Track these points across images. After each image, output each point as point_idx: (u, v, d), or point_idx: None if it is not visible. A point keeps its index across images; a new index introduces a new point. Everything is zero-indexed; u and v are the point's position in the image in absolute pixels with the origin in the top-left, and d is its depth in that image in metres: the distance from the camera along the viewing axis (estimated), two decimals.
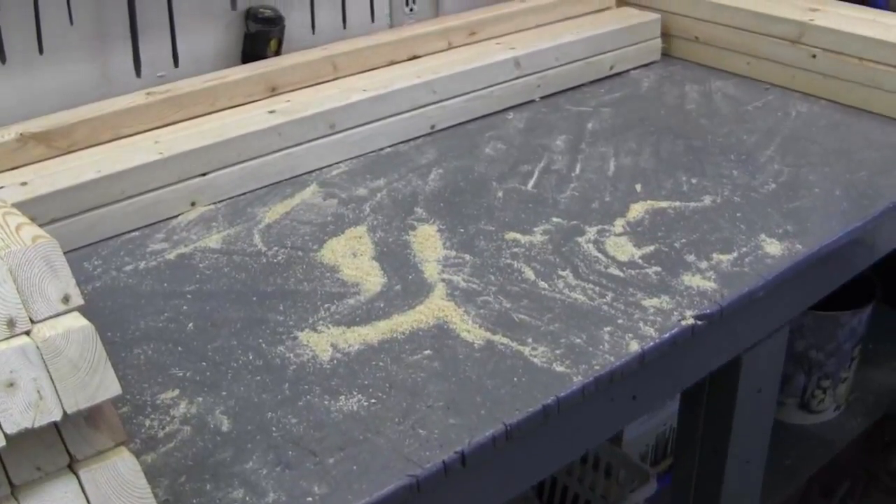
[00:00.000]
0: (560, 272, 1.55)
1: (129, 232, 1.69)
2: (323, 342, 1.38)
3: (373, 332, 1.40)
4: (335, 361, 1.35)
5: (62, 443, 0.97)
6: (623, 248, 1.61)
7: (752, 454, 1.83)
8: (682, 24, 2.45)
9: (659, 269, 1.55)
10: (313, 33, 2.13)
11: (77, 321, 0.95)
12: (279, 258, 1.61)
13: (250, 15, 2.02)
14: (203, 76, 1.93)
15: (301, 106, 1.91)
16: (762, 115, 2.13)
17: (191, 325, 1.44)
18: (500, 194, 1.80)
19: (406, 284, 1.52)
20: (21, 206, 1.46)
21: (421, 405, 1.26)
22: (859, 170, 1.86)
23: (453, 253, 1.61)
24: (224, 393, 1.29)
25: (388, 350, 1.37)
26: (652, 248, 1.62)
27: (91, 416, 0.98)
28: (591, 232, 1.67)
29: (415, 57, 2.17)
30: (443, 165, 1.91)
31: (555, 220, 1.71)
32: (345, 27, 2.15)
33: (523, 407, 1.25)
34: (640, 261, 1.58)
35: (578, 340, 1.38)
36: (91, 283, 1.54)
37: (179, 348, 1.38)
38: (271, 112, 1.88)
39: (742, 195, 1.78)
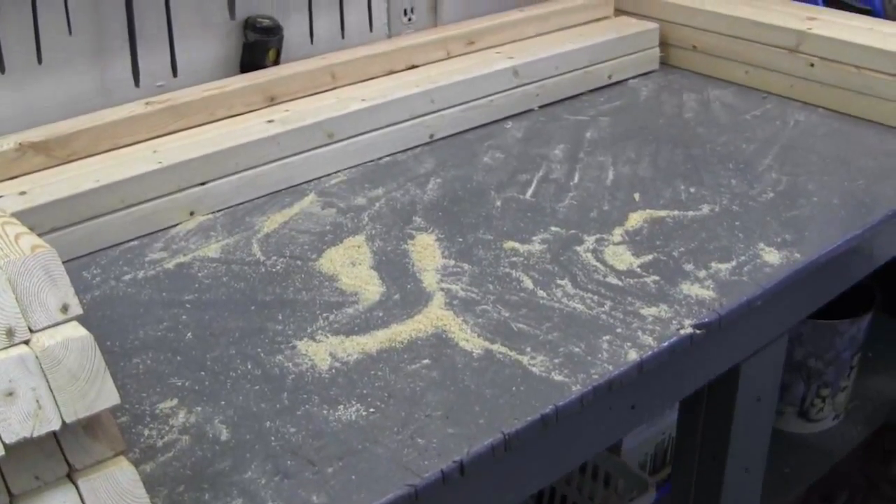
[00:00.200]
0: (558, 281, 1.55)
1: (127, 241, 1.69)
2: (322, 351, 1.38)
3: (371, 342, 1.40)
4: (334, 371, 1.35)
5: (61, 452, 0.97)
6: (621, 257, 1.61)
7: (752, 463, 1.83)
8: (681, 33, 2.45)
9: (657, 278, 1.56)
10: (312, 43, 2.13)
11: (76, 331, 0.95)
12: (278, 267, 1.61)
13: (249, 24, 2.02)
14: (202, 86, 1.93)
15: (300, 115, 1.91)
16: (760, 124, 2.13)
17: (189, 334, 1.44)
18: (498, 203, 1.80)
19: (405, 293, 1.52)
20: (20, 216, 1.46)
21: (419, 414, 1.26)
22: (858, 178, 1.86)
23: (452, 262, 1.61)
24: (223, 402, 1.29)
25: (387, 359, 1.37)
26: (650, 257, 1.62)
27: (90, 426, 0.98)
28: (590, 241, 1.67)
29: (413, 66, 2.18)
30: (441, 174, 1.91)
31: (553, 229, 1.71)
32: (343, 37, 2.16)
33: (522, 416, 1.25)
34: (638, 270, 1.58)
35: (577, 349, 1.38)
36: (90, 293, 1.54)
37: (178, 358, 1.38)
38: (270, 121, 1.88)
39: (740, 204, 1.78)
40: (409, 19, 2.32)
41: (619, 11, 2.56)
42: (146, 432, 1.24)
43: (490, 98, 2.14)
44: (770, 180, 1.86)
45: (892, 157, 1.95)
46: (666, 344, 1.40)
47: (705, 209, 1.77)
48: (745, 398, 1.72)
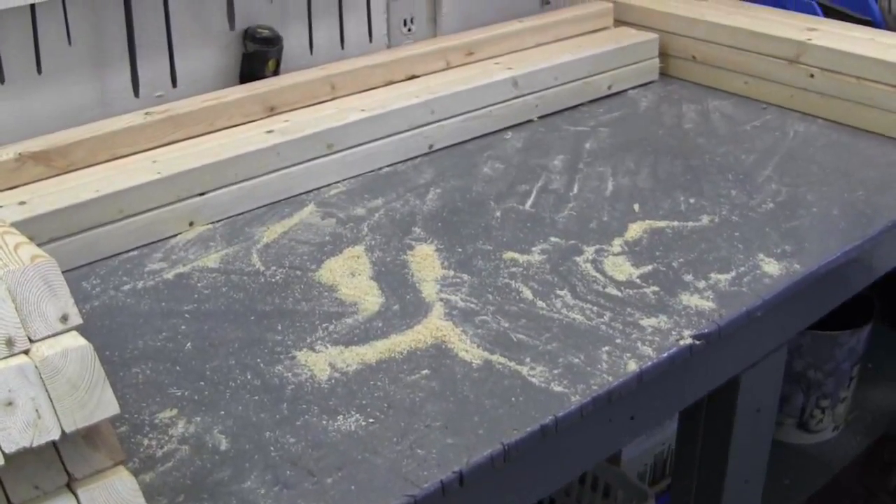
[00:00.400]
0: (558, 292, 1.55)
1: (127, 251, 1.69)
2: (321, 362, 1.38)
3: (371, 352, 1.40)
4: (333, 381, 1.34)
5: (61, 462, 0.97)
6: (621, 268, 1.61)
7: (751, 474, 1.83)
8: (680, 43, 2.46)
9: (657, 288, 1.56)
10: (311, 53, 2.13)
11: (75, 340, 0.95)
12: (277, 278, 1.61)
13: (248, 35, 2.02)
14: (201, 96, 1.93)
15: (299, 126, 1.91)
16: (760, 135, 2.13)
17: (189, 344, 1.44)
18: (498, 214, 1.80)
19: (404, 304, 1.52)
20: (19, 226, 1.46)
21: (419, 425, 1.26)
22: (857, 189, 1.86)
23: (451, 272, 1.61)
24: (222, 412, 1.29)
25: (387, 370, 1.37)
26: (650, 267, 1.62)
27: (89, 436, 0.98)
28: (589, 252, 1.67)
29: (413, 77, 2.18)
30: (441, 185, 1.91)
31: (553, 239, 1.71)
32: (343, 47, 2.16)
33: (521, 427, 1.25)
34: (638, 280, 1.58)
35: (576, 360, 1.38)
36: (89, 303, 1.54)
37: (177, 368, 1.38)
38: (269, 132, 1.88)
39: (740, 215, 1.78)
40: (409, 30, 2.32)
41: (618, 22, 2.57)
42: (146, 442, 1.24)
43: (489, 109, 2.14)
44: (770, 191, 1.86)
45: (892, 168, 1.95)
46: (665, 355, 1.40)
47: (705, 220, 1.77)
48: (745, 409, 1.72)
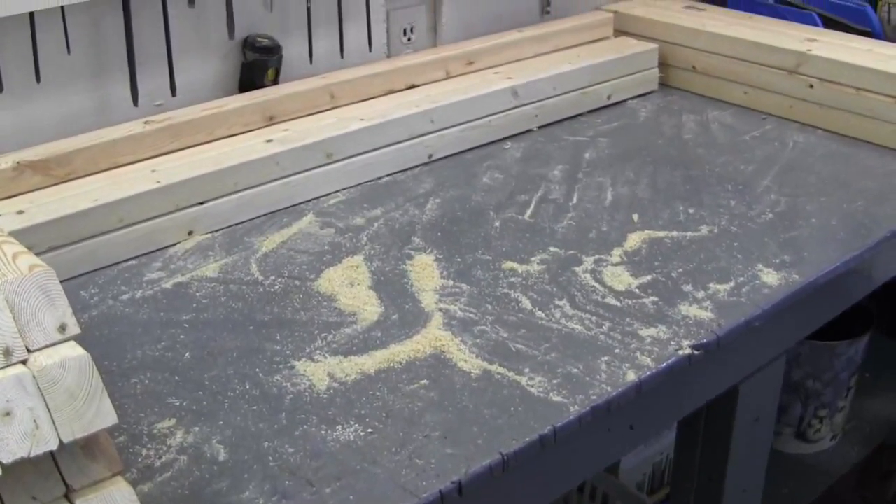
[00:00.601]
0: (557, 302, 1.55)
1: (126, 261, 1.69)
2: (320, 372, 1.38)
3: (370, 362, 1.40)
4: (332, 391, 1.34)
5: (58, 472, 0.97)
6: (620, 278, 1.61)
7: (750, 483, 1.83)
8: (680, 54, 2.46)
9: (656, 298, 1.56)
10: (311, 62, 2.13)
11: (74, 350, 0.95)
12: (276, 287, 1.61)
13: (248, 44, 2.02)
14: (201, 105, 1.93)
15: (299, 135, 1.91)
16: (759, 145, 2.13)
17: (188, 354, 1.43)
18: (497, 224, 1.80)
19: (403, 314, 1.52)
20: (18, 235, 1.45)
21: (418, 435, 1.26)
22: (856, 199, 1.86)
23: (450, 282, 1.61)
24: (221, 422, 1.29)
25: (385, 380, 1.37)
26: (649, 277, 1.62)
27: (87, 446, 0.97)
28: (589, 262, 1.67)
29: (412, 86, 2.18)
30: (440, 195, 1.91)
31: (552, 249, 1.71)
32: (342, 56, 2.16)
33: (520, 437, 1.25)
34: (637, 290, 1.58)
35: (575, 370, 1.38)
36: (88, 312, 1.54)
37: (176, 377, 1.38)
38: (269, 141, 1.88)
39: (739, 225, 1.78)
40: (409, 39, 2.32)
41: (618, 32, 2.57)
42: (144, 452, 1.23)
43: (489, 118, 2.14)
44: (769, 201, 1.87)
45: (891, 179, 1.95)
46: (664, 365, 1.40)
47: (704, 230, 1.77)
48: (744, 419, 1.71)
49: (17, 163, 1.68)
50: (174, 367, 1.40)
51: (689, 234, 1.75)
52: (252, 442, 1.25)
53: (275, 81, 2.06)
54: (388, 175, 2.00)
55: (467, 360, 1.40)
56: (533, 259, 1.68)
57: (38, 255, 1.17)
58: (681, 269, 1.64)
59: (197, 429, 1.28)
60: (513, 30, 2.43)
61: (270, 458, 1.22)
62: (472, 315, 1.51)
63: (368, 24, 2.18)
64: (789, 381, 2.46)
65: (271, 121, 1.97)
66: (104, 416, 0.96)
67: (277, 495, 1.16)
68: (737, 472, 1.77)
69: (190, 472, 1.20)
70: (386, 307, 1.54)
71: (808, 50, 2.22)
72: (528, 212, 1.84)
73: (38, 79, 1.77)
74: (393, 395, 1.33)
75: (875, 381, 2.82)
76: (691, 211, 1.83)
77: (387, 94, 2.14)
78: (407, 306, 1.54)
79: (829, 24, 2.52)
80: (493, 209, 1.85)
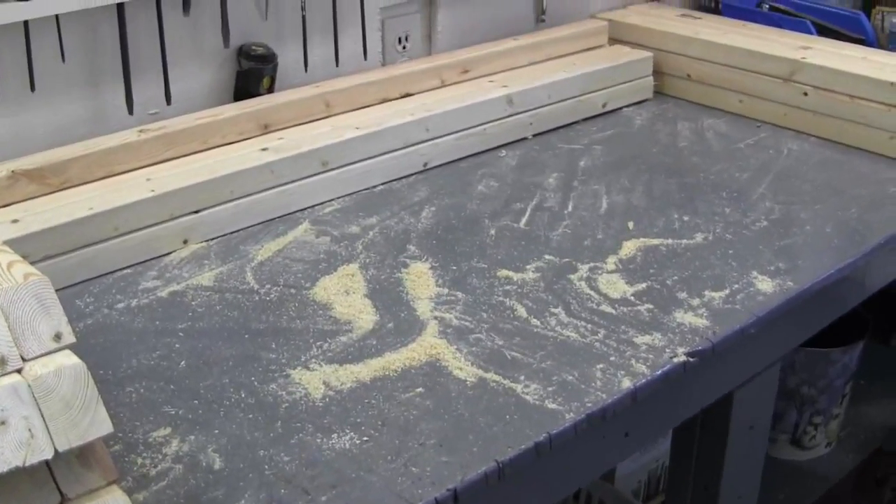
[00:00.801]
0: (552, 309, 1.55)
1: (121, 269, 1.69)
2: (315, 380, 1.38)
3: (365, 370, 1.40)
4: (327, 399, 1.34)
5: (53, 482, 0.96)
6: (615, 286, 1.62)
7: (745, 490, 1.83)
8: (675, 62, 2.46)
9: (651, 306, 1.56)
10: (306, 71, 2.13)
11: (69, 359, 0.95)
12: (271, 296, 1.61)
13: (243, 52, 2.02)
14: (195, 113, 1.93)
15: (294, 143, 1.91)
16: (754, 153, 2.13)
17: (183, 362, 1.43)
18: (492, 232, 1.80)
19: (398, 322, 1.52)
20: (13, 244, 1.45)
21: (413, 443, 1.26)
22: (851, 207, 1.87)
23: (445, 290, 1.61)
24: (216, 431, 1.29)
25: (381, 388, 1.37)
26: (644, 285, 1.62)
27: (83, 455, 0.97)
28: (584, 269, 1.67)
29: (407, 95, 2.18)
30: (435, 203, 1.91)
31: (547, 257, 1.71)
32: (337, 65, 2.16)
33: (515, 444, 1.25)
34: (632, 298, 1.58)
35: (570, 378, 1.38)
36: (83, 321, 1.54)
37: (171, 386, 1.38)
38: (264, 149, 1.88)
39: (734, 232, 1.78)
40: (404, 48, 2.32)
41: (613, 40, 2.57)
42: (139, 461, 1.23)
43: (484, 126, 2.14)
44: (763, 209, 1.87)
45: (885, 186, 1.96)
46: (659, 372, 1.40)
47: (699, 237, 1.77)
48: (739, 426, 1.72)
49: (12, 171, 1.68)
50: (169, 376, 1.40)
51: (684, 241, 1.76)
52: (247, 450, 1.25)
53: (270, 90, 2.06)
54: (383, 183, 2.00)
55: (463, 368, 1.40)
56: (528, 267, 1.68)
57: (33, 263, 1.18)
58: (676, 277, 1.64)
59: (192, 437, 1.28)
60: (508, 38, 2.43)
61: (266, 466, 1.22)
62: (467, 323, 1.51)
63: (363, 32, 2.18)
64: (784, 387, 2.46)
65: (266, 129, 1.97)
66: (99, 424, 0.96)
67: (273, 503, 1.16)
68: (732, 479, 1.77)
69: (185, 480, 1.20)
70: (381, 315, 1.54)
71: (803, 58, 2.23)
72: (524, 220, 1.84)
73: (32, 87, 1.77)
74: (388, 403, 1.33)
75: (870, 388, 2.82)
76: (686, 218, 1.84)
77: (382, 102, 2.14)
78: (402, 314, 1.54)
79: (823, 31, 2.53)
80: (488, 217, 1.85)
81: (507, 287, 1.62)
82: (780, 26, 2.54)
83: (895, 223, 1.81)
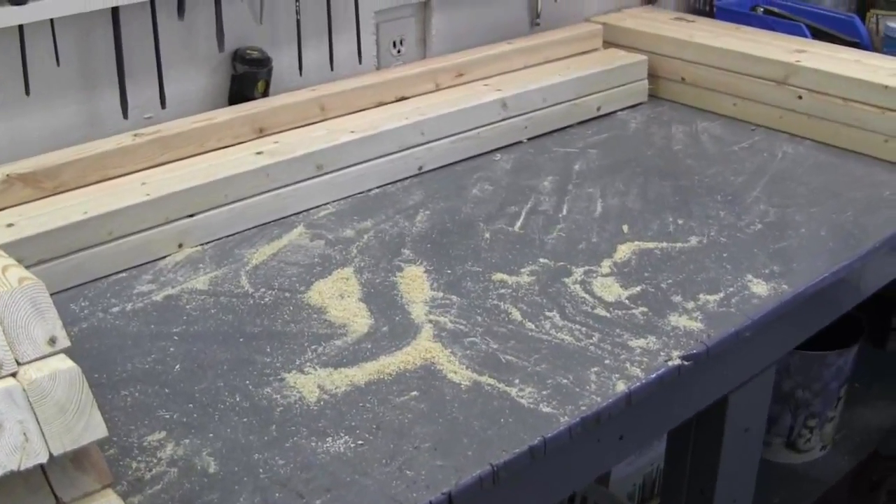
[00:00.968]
0: (547, 313, 1.55)
1: (116, 273, 1.68)
2: (310, 384, 1.38)
3: (360, 374, 1.40)
4: (322, 403, 1.34)
5: (48, 485, 0.96)
6: (610, 289, 1.62)
7: (740, 494, 1.83)
8: (669, 65, 2.46)
9: (646, 309, 1.56)
10: (301, 75, 2.13)
11: (63, 363, 0.95)
12: (266, 300, 1.61)
13: (238, 56, 2.02)
14: (190, 117, 1.93)
15: (289, 147, 1.91)
16: (749, 156, 2.13)
17: (178, 366, 1.43)
18: (487, 235, 1.80)
19: (393, 326, 1.52)
20: (7, 248, 1.45)
21: (408, 446, 1.26)
22: (845, 210, 1.87)
23: (440, 294, 1.61)
24: (211, 435, 1.29)
25: (375, 391, 1.37)
26: (639, 288, 1.62)
27: (77, 459, 0.97)
28: (578, 273, 1.67)
29: (402, 98, 2.18)
30: (430, 206, 1.91)
31: (542, 261, 1.71)
32: (332, 69, 2.16)
33: (510, 448, 1.25)
34: (626, 301, 1.58)
35: (565, 381, 1.38)
36: (78, 325, 1.54)
37: (166, 390, 1.38)
38: (259, 153, 1.88)
39: (728, 236, 1.78)
40: (399, 52, 2.32)
41: (607, 44, 2.57)
42: (134, 465, 1.23)
43: (479, 130, 2.14)
44: (758, 212, 1.87)
45: (880, 189, 1.96)
46: (654, 375, 1.40)
47: (693, 241, 1.77)
48: (733, 429, 1.72)
49: (7, 175, 1.68)
50: (164, 380, 1.40)
51: (679, 244, 1.76)
52: (242, 454, 1.25)
53: (265, 94, 2.06)
54: (378, 187, 2.00)
55: (457, 372, 1.40)
56: (523, 270, 1.68)
57: (27, 267, 1.17)
58: (670, 280, 1.64)
59: (187, 441, 1.28)
60: (502, 42, 2.43)
61: (261, 470, 1.22)
62: (462, 326, 1.51)
63: (358, 36, 2.18)
64: (779, 391, 2.46)
65: (261, 133, 1.97)
66: (94, 428, 0.96)
67: None
68: (727, 482, 1.78)
69: (180, 484, 1.20)
70: (376, 319, 1.54)
71: (797, 61, 2.23)
72: (518, 223, 1.84)
73: (27, 91, 1.77)
74: (383, 406, 1.33)
75: (865, 391, 2.82)
76: (681, 222, 1.84)
77: (377, 106, 2.14)
78: (397, 318, 1.54)
79: (818, 35, 2.53)
80: (482, 221, 1.86)
81: (502, 290, 1.62)
82: (774, 29, 2.54)
83: (890, 226, 1.81)
